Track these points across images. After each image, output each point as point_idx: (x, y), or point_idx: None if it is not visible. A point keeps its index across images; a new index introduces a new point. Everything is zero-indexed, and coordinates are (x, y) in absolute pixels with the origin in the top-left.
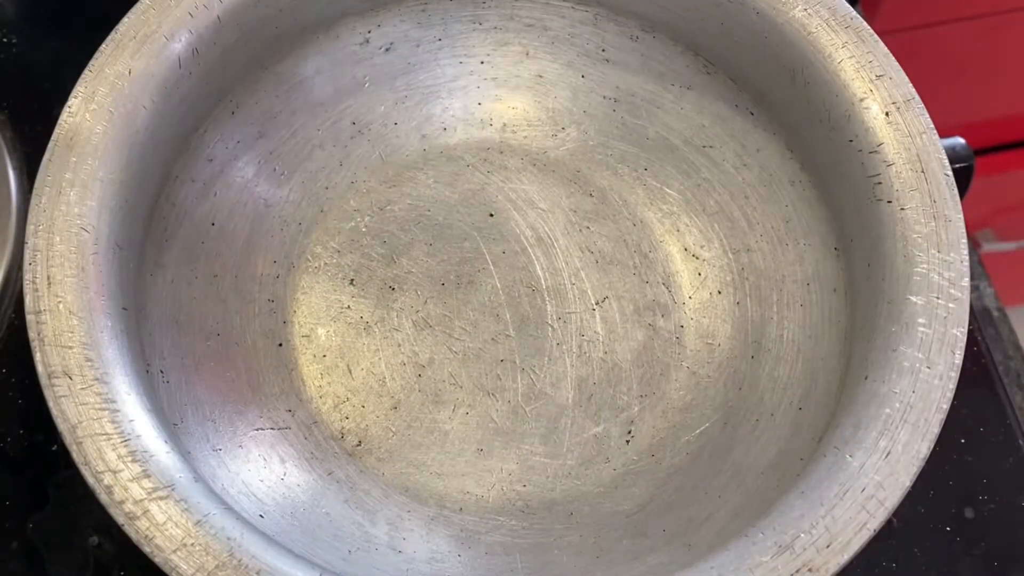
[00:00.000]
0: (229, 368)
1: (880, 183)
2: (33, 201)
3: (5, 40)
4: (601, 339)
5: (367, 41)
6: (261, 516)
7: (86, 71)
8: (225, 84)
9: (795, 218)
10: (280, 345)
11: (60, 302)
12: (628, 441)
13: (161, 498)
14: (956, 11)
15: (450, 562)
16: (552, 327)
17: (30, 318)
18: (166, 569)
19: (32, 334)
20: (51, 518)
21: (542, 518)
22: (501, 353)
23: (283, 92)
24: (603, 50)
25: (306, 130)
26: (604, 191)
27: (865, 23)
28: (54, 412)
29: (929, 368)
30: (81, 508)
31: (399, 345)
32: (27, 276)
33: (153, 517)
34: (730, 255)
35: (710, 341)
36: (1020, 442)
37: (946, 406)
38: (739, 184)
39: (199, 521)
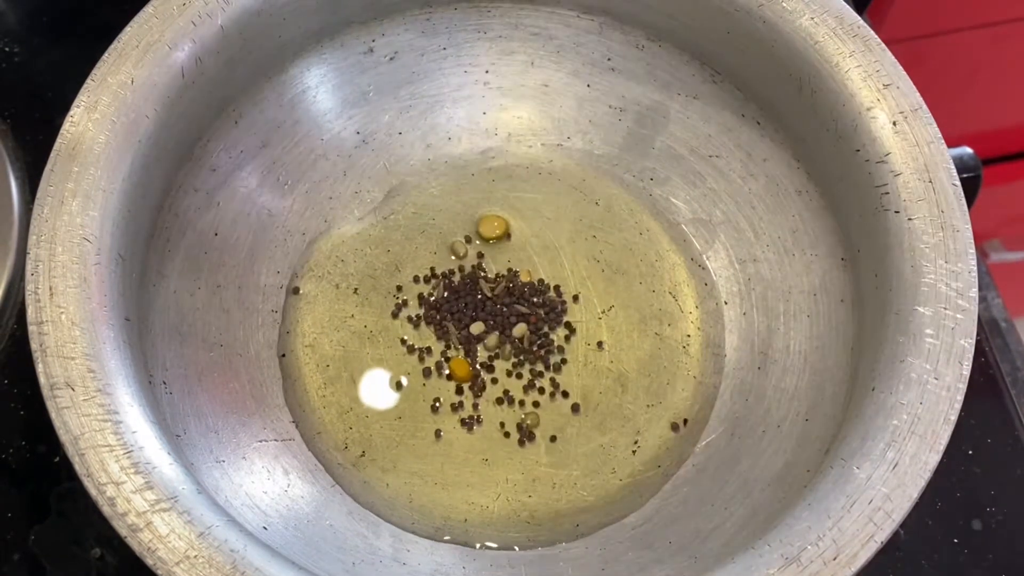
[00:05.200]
0: (232, 379)
1: (887, 193)
2: (35, 211)
3: (7, 49)
4: (607, 348)
5: (371, 50)
6: (264, 528)
7: (88, 80)
8: (228, 93)
9: (802, 228)
10: (283, 356)
11: (62, 313)
12: (634, 452)
13: (164, 510)
14: (964, 20)
15: (455, 574)
16: (558, 336)
17: (32, 329)
18: None
19: (34, 345)
20: (53, 530)
21: (548, 529)
22: (507, 363)
23: (287, 102)
24: (609, 59)
25: (310, 140)
26: (610, 200)
27: (872, 32)
28: (56, 423)
29: (937, 379)
30: (83, 520)
31: (403, 355)
32: (29, 287)
33: (156, 529)
34: (736, 265)
35: (716, 351)
36: None
37: (954, 417)
38: (745, 194)
39: (202, 533)
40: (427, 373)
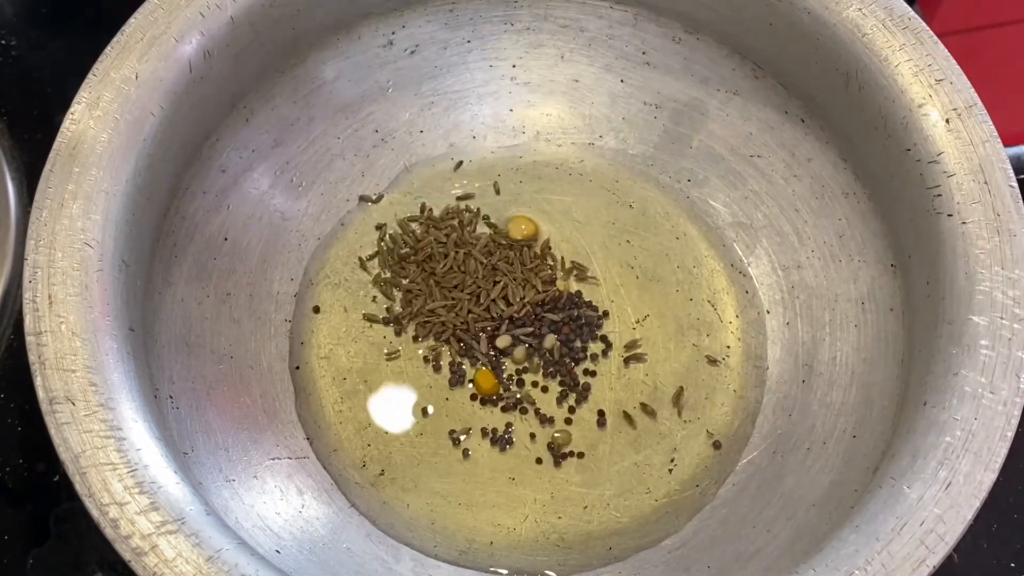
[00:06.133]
0: (243, 393)
1: (940, 195)
2: (33, 215)
3: (4, 42)
4: (642, 360)
5: (391, 43)
6: (277, 551)
7: (90, 75)
8: (239, 89)
9: (849, 232)
10: (297, 368)
11: (62, 322)
12: (671, 470)
13: (170, 532)
14: (1022, 11)
15: None
16: (590, 347)
17: (30, 340)
18: None
19: (32, 357)
20: (52, 554)
21: (579, 553)
22: (535, 376)
23: (301, 98)
24: (643, 53)
25: (325, 138)
26: (645, 203)
27: (923, 23)
28: (56, 440)
29: (992, 393)
30: (84, 543)
31: (425, 367)
32: (27, 295)
33: (162, 553)
34: (779, 272)
35: (758, 364)
36: None
37: (1011, 434)
38: (789, 196)
39: (211, 557)
40: (452, 384)
